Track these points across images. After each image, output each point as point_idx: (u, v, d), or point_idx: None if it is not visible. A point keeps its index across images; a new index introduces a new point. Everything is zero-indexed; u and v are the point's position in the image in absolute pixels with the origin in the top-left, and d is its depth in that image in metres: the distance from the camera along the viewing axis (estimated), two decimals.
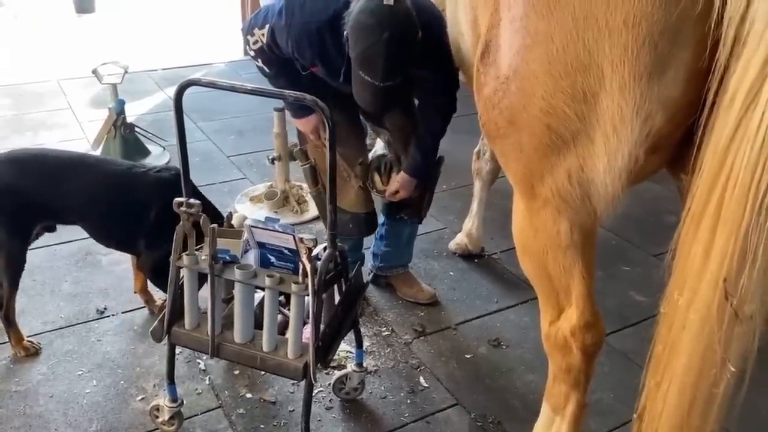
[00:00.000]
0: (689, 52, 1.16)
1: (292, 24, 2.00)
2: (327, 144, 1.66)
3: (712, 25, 1.09)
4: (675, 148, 1.33)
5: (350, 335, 2.05)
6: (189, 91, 1.67)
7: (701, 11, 1.10)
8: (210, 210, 2.12)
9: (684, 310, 1.18)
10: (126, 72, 3.60)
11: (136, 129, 3.67)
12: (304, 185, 3.24)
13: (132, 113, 3.97)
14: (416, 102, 2.30)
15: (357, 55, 1.86)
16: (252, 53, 2.16)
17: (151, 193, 2.13)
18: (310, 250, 1.64)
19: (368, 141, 3.91)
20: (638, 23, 1.13)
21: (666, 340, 1.24)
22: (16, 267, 2.20)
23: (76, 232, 2.34)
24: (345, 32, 1.90)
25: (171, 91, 4.92)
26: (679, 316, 1.20)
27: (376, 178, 2.34)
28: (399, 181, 2.29)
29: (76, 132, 4.18)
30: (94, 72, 3.57)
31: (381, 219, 2.58)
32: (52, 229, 2.31)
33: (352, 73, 1.93)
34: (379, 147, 2.55)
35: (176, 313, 1.82)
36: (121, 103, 3.58)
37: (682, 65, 1.17)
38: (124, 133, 3.59)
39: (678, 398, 1.22)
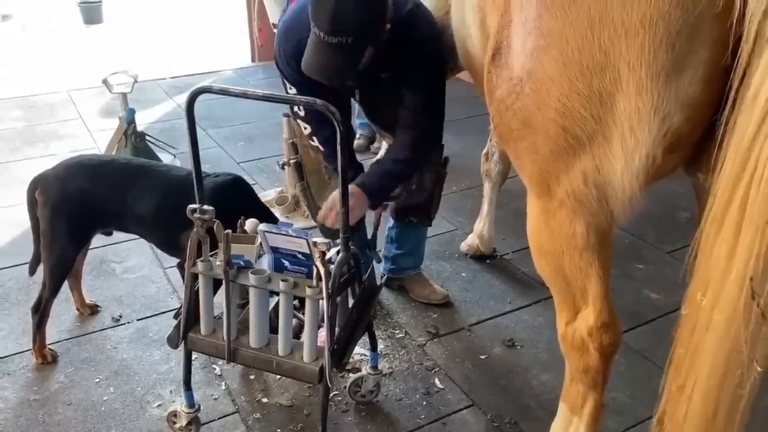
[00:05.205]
0: (708, 51, 1.15)
1: (281, 53, 2.03)
2: (339, 150, 1.65)
3: (734, 22, 1.07)
4: (693, 147, 1.32)
5: (364, 338, 2.05)
6: (198, 99, 1.68)
7: (720, 10, 1.09)
8: (269, 215, 2.17)
9: (708, 311, 1.15)
10: (135, 81, 3.62)
11: (147, 137, 3.70)
12: None
13: (142, 122, 4.00)
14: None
15: (311, 2, 1.79)
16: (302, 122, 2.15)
17: (208, 196, 2.03)
18: (323, 253, 1.65)
19: (375, 145, 3.96)
20: (655, 23, 1.12)
21: (688, 342, 1.22)
22: (64, 271, 2.24)
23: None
24: None
25: (180, 99, 5.02)
26: (702, 317, 1.17)
27: None
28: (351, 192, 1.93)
29: (87, 142, 4.22)
30: (104, 82, 3.60)
31: (390, 222, 2.59)
32: (108, 234, 2.36)
33: (309, 39, 1.84)
34: (382, 152, 2.55)
35: (192, 319, 1.84)
36: (131, 112, 3.60)
37: (700, 64, 1.16)
38: (135, 142, 3.61)
39: (702, 401, 1.20)
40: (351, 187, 1.99)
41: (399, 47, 1.93)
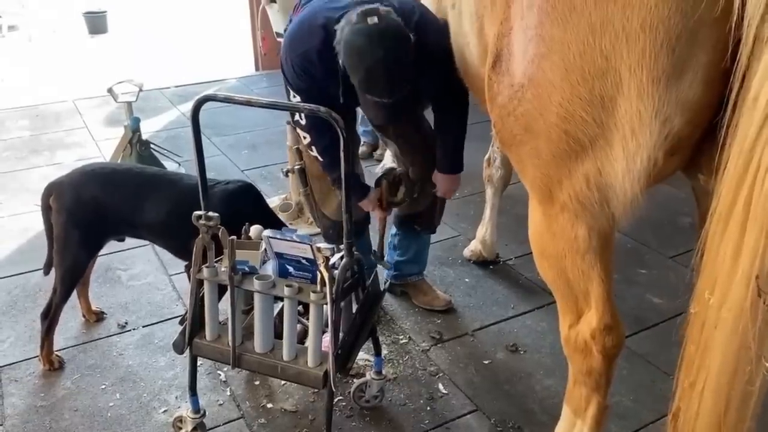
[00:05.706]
0: (707, 55, 1.17)
1: (288, 61, 2.03)
2: (342, 156, 1.67)
3: (733, 26, 1.09)
4: (693, 149, 1.34)
5: (368, 343, 2.06)
6: (202, 107, 1.70)
7: (719, 14, 1.11)
8: (278, 222, 2.21)
9: (716, 309, 1.17)
10: (140, 90, 3.65)
11: (152, 146, 3.73)
12: None
13: (147, 130, 4.03)
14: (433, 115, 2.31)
15: (359, 80, 1.85)
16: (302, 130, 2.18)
17: (219, 204, 2.05)
18: (327, 259, 1.67)
19: (378, 152, 3.98)
20: (655, 27, 1.15)
21: (698, 340, 1.23)
22: (76, 277, 2.27)
23: None
24: (340, 61, 1.87)
25: (184, 107, 5.06)
26: (710, 315, 1.19)
27: (384, 186, 2.34)
28: (439, 181, 2.31)
29: (93, 150, 4.26)
30: (110, 91, 3.63)
31: (393, 229, 2.60)
32: (121, 240, 2.40)
33: (359, 97, 1.95)
34: (388, 160, 2.57)
35: (197, 325, 1.85)
36: (136, 121, 3.63)
37: (700, 67, 1.18)
38: (140, 150, 3.63)
39: (713, 397, 1.22)
40: (442, 176, 2.29)
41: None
